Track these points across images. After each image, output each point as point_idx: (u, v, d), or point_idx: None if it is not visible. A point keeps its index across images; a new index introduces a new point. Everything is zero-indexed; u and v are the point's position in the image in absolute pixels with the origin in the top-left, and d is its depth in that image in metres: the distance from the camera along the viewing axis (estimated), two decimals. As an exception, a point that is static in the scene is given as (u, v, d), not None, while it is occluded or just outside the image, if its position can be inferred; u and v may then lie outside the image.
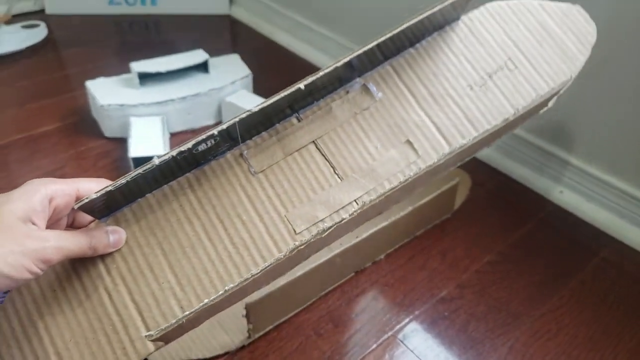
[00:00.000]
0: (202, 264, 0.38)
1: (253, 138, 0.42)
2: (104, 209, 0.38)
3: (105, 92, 0.93)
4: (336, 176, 0.41)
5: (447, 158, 0.43)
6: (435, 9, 0.42)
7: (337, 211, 0.40)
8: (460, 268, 0.72)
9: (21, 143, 0.93)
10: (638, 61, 0.70)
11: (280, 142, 0.42)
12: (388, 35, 0.41)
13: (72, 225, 0.39)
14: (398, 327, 0.64)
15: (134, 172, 0.36)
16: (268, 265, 0.38)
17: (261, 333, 0.62)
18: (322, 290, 0.68)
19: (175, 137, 0.95)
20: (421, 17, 0.42)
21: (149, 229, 0.39)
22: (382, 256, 0.73)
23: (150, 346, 0.36)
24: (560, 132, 0.84)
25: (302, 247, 0.39)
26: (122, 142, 0.93)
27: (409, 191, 0.44)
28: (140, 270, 0.38)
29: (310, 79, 0.40)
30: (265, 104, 0.39)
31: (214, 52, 1.05)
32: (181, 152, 0.37)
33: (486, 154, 0.93)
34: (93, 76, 1.01)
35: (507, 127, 0.47)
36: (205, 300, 0.37)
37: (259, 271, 0.38)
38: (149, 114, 0.92)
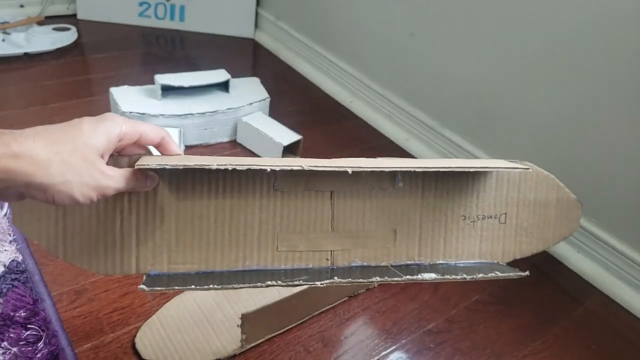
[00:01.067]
0: (200, 236, 0.44)
1: None
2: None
3: (127, 100, 0.97)
4: (330, 225, 0.47)
5: (405, 267, 0.48)
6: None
7: (313, 251, 0.46)
8: (450, 303, 0.75)
9: (41, 139, 0.97)
10: (619, 120, 0.74)
11: (308, 178, 0.47)
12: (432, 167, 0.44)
13: (119, 152, 0.43)
14: (384, 353, 0.67)
15: (190, 164, 0.40)
16: (242, 269, 0.44)
17: (253, 344, 0.64)
18: (315, 310, 0.70)
19: (190, 150, 0.99)
20: (470, 169, 0.45)
21: (175, 188, 0.44)
22: (376, 284, 0.76)
23: (134, 270, 0.43)
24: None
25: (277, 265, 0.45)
26: (138, 149, 0.96)
27: (366, 278, 0.47)
28: (153, 215, 0.44)
29: (357, 169, 0.42)
30: (307, 166, 0.42)
31: (234, 72, 1.09)
32: (235, 169, 0.41)
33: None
34: (116, 82, 1.05)
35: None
36: (188, 264, 0.43)
37: (232, 269, 0.44)
38: (167, 125, 0.96)
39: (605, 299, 0.81)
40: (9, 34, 1.28)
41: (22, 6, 1.43)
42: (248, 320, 0.61)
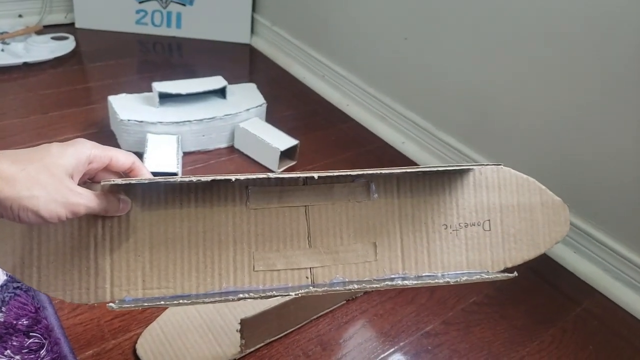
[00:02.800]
0: (174, 258, 0.44)
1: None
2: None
3: (126, 108, 0.98)
4: (307, 241, 0.46)
5: (388, 279, 0.47)
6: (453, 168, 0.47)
7: (291, 269, 0.45)
8: (447, 305, 0.76)
9: (41, 148, 0.98)
10: (616, 121, 0.75)
11: (280, 194, 0.47)
12: (407, 170, 0.47)
13: (92, 179, 0.44)
14: (383, 355, 0.67)
15: (157, 179, 0.41)
16: (220, 292, 0.44)
17: (252, 349, 0.65)
18: (314, 315, 0.71)
19: (188, 156, 1.00)
20: (439, 169, 0.47)
21: (148, 211, 0.44)
22: (373, 287, 0.77)
23: (108, 297, 0.43)
24: (553, 185, 0.88)
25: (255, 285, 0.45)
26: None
27: (345, 292, 0.47)
28: (126, 237, 0.43)
29: (324, 174, 0.44)
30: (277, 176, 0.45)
31: (231, 78, 1.10)
32: (200, 180, 0.42)
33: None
34: (114, 90, 1.06)
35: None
36: (163, 289, 0.43)
37: (209, 292, 0.43)
38: (165, 132, 0.97)
39: (603, 300, 0.81)
40: (8, 43, 1.29)
41: (20, 16, 1.45)
42: (247, 325, 0.62)
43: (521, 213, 0.51)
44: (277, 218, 0.46)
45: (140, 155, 0.96)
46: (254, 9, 1.51)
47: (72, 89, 1.20)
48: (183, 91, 1.01)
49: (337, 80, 1.27)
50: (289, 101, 1.25)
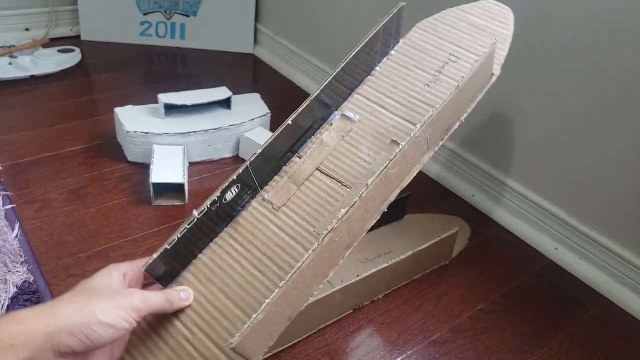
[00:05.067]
0: (260, 293, 0.45)
1: (269, 184, 0.51)
2: (167, 276, 0.46)
3: (132, 120, 0.99)
4: (345, 188, 0.49)
5: (424, 128, 0.50)
6: (369, 37, 0.54)
7: (350, 205, 0.46)
8: (454, 313, 0.76)
9: (49, 161, 0.99)
10: (624, 126, 0.75)
11: (292, 179, 0.50)
12: (342, 66, 0.51)
13: None
14: (391, 365, 0.67)
15: (182, 228, 0.44)
16: (303, 263, 0.43)
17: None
18: (321, 324, 0.71)
19: (195, 167, 1.01)
20: (361, 45, 0.53)
21: (208, 281, 0.46)
22: (380, 296, 0.77)
23: None
24: (557, 191, 0.88)
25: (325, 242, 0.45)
26: (143, 168, 0.98)
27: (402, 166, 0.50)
28: (211, 316, 0.44)
29: (293, 116, 0.49)
30: (268, 144, 0.49)
31: (235, 88, 1.11)
32: (214, 202, 0.45)
33: (487, 207, 0.98)
34: (120, 102, 1.07)
35: (463, 93, 0.54)
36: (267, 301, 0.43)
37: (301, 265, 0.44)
38: (171, 143, 0.98)
39: (610, 305, 0.81)
40: (15, 57, 1.30)
41: (27, 29, 1.46)
42: (255, 336, 0.62)
43: (465, 31, 0.59)
44: (306, 195, 0.51)
45: (146, 166, 0.97)
46: (257, 20, 1.53)
47: (79, 101, 1.22)
48: (189, 102, 1.02)
49: (340, 89, 1.28)
50: (292, 110, 1.26)
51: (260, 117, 1.06)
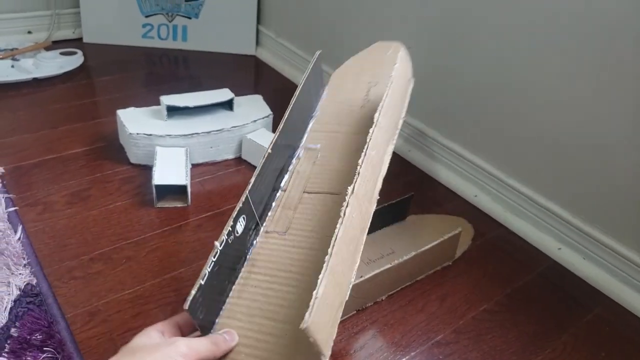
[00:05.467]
0: (300, 308, 0.45)
1: (266, 218, 0.56)
2: (206, 323, 0.46)
3: (134, 122, 0.99)
4: (335, 195, 0.56)
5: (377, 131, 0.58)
6: (305, 79, 0.64)
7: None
8: (457, 314, 0.76)
9: (51, 163, 0.99)
10: (628, 125, 0.75)
11: (285, 207, 0.57)
12: (289, 109, 0.61)
13: None
14: (394, 366, 0.67)
15: (209, 261, 0.45)
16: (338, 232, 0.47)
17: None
18: (324, 325, 0.71)
19: (197, 168, 1.01)
20: (300, 87, 0.64)
21: (247, 315, 0.47)
22: (383, 297, 0.77)
23: None
24: (560, 191, 0.88)
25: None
26: (146, 169, 0.98)
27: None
28: (264, 342, 0.45)
29: (262, 160, 0.55)
30: (251, 186, 0.53)
31: (237, 89, 1.11)
32: (230, 232, 0.48)
33: (490, 207, 0.98)
34: (122, 104, 1.07)
35: (393, 99, 0.64)
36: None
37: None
38: (174, 144, 0.98)
39: (614, 305, 0.81)
40: (18, 60, 1.31)
41: (29, 32, 1.47)
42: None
43: (381, 63, 0.73)
44: (303, 213, 0.56)
45: (149, 168, 0.97)
46: (258, 21, 1.53)
47: (81, 103, 1.22)
48: (191, 104, 1.02)
49: (342, 90, 1.28)
50: (295, 111, 1.26)
51: (263, 118, 1.06)
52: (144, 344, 0.42)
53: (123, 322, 0.68)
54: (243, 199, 0.50)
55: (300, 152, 0.62)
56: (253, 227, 0.53)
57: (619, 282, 0.82)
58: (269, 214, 0.57)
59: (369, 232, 0.88)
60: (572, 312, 0.79)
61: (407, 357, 0.68)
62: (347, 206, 0.47)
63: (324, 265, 0.43)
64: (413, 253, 0.75)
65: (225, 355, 0.44)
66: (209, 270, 0.44)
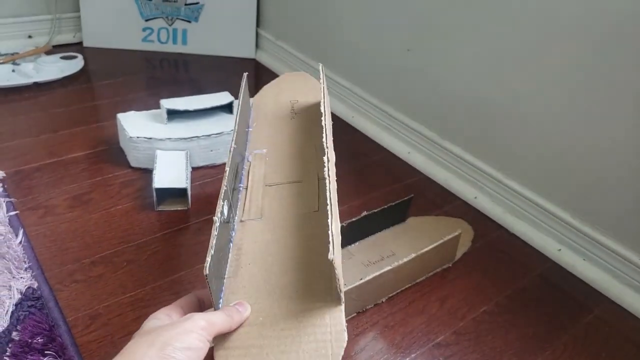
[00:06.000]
0: (303, 271, 0.51)
1: (236, 212, 0.59)
2: (216, 295, 0.48)
3: (134, 125, 1.00)
4: (297, 183, 0.62)
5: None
6: (242, 95, 0.70)
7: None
8: (457, 315, 0.76)
9: (52, 167, 0.99)
10: (627, 127, 0.75)
11: (251, 200, 0.62)
12: (237, 121, 0.65)
13: None
14: (395, 368, 0.67)
15: (213, 235, 0.47)
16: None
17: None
18: (324, 327, 0.71)
19: (197, 171, 1.01)
20: (239, 105, 0.68)
21: (250, 290, 0.49)
22: (383, 299, 0.77)
23: None
24: (560, 192, 0.88)
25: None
26: (146, 173, 0.99)
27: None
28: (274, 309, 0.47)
29: (229, 162, 0.59)
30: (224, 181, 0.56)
31: (237, 92, 1.11)
32: (221, 212, 0.50)
33: (489, 209, 0.98)
34: (122, 108, 1.08)
35: (316, 107, 0.77)
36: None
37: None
38: (174, 148, 0.98)
39: (614, 306, 0.81)
40: (18, 64, 1.31)
41: (30, 37, 1.47)
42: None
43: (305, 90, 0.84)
44: (272, 196, 0.62)
45: (149, 171, 0.97)
46: (258, 24, 1.53)
47: (82, 107, 1.22)
48: (191, 107, 1.02)
49: (342, 93, 1.28)
50: (294, 114, 1.26)
51: (262, 121, 1.06)
52: (157, 325, 0.42)
53: (124, 326, 0.69)
54: (225, 184, 0.54)
55: (248, 156, 0.68)
56: (233, 214, 0.57)
57: (619, 283, 0.82)
58: (238, 207, 0.60)
59: (369, 234, 0.89)
60: (572, 313, 0.79)
61: (407, 359, 0.69)
62: (328, 161, 0.54)
63: (327, 203, 0.48)
64: (413, 255, 0.75)
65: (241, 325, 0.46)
66: (214, 242, 0.46)
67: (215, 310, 0.46)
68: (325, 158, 0.56)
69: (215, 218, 0.48)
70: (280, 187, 0.62)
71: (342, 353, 0.42)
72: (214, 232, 0.47)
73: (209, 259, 0.44)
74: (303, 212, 0.57)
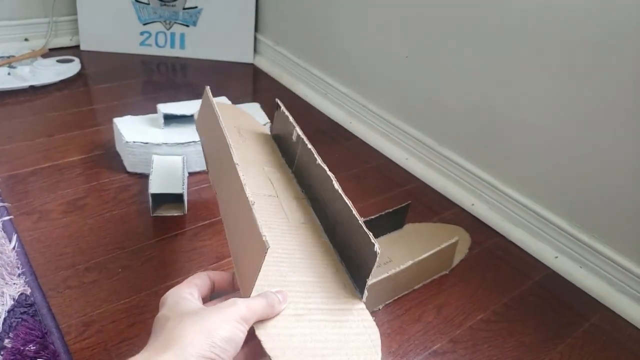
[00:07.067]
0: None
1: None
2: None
3: (131, 130, 0.99)
4: (273, 197, 0.65)
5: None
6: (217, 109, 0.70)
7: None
8: (454, 323, 0.75)
9: (47, 171, 0.99)
10: (624, 135, 0.75)
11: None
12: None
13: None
14: (391, 376, 0.67)
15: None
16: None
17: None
18: (320, 335, 0.71)
19: (193, 177, 1.01)
20: (220, 118, 0.68)
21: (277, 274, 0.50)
22: (380, 306, 0.76)
23: None
24: (557, 199, 0.88)
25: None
26: (142, 178, 0.98)
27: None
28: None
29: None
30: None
31: (235, 97, 1.11)
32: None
33: (487, 216, 0.98)
34: (119, 112, 1.07)
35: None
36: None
37: None
38: (170, 153, 0.97)
39: (610, 315, 0.81)
40: (14, 67, 1.31)
41: (26, 39, 1.47)
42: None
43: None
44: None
45: (145, 176, 0.97)
46: (256, 29, 1.53)
47: (78, 111, 1.22)
48: (188, 112, 1.02)
49: (340, 99, 1.28)
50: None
51: (260, 126, 1.06)
52: (193, 306, 0.41)
53: (118, 333, 0.68)
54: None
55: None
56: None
57: (616, 291, 0.82)
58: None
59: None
60: (569, 321, 0.79)
61: (404, 368, 0.68)
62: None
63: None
64: (410, 262, 0.74)
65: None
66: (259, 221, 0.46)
67: (250, 294, 0.44)
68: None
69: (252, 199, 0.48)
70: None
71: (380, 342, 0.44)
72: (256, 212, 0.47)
73: (264, 232, 0.42)
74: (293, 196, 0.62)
